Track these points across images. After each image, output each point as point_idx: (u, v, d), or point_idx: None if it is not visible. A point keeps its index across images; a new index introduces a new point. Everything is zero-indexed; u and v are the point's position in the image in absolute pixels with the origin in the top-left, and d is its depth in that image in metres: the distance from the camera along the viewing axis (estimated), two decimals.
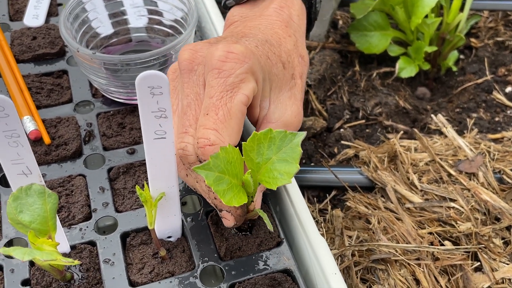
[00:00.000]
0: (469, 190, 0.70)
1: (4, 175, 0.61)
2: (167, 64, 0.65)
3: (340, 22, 1.07)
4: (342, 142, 0.83)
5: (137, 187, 0.50)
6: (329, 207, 0.72)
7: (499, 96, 0.90)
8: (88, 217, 0.58)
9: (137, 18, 0.74)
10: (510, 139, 0.81)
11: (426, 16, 0.89)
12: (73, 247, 0.55)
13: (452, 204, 0.68)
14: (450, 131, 0.78)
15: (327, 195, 0.76)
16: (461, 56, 1.01)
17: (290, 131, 0.48)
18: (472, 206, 0.68)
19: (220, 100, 0.51)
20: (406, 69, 0.93)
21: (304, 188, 0.76)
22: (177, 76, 0.57)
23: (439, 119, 0.82)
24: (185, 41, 0.64)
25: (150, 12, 0.74)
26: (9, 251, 0.41)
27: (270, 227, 0.50)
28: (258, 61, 0.53)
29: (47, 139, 0.62)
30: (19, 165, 0.47)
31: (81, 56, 0.61)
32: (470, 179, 0.72)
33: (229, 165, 0.49)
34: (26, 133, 0.62)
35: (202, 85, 0.53)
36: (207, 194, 0.54)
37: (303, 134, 0.48)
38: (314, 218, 0.70)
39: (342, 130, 0.86)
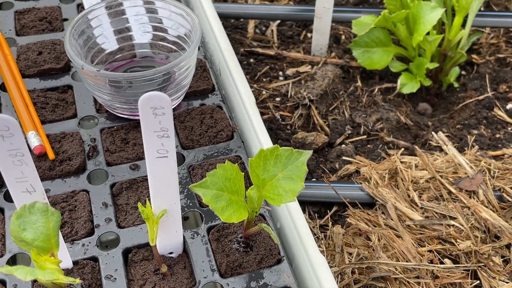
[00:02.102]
0: (469, 208, 0.70)
1: (7, 191, 0.61)
2: (170, 81, 0.65)
3: (343, 37, 1.08)
4: (344, 157, 0.83)
5: (139, 204, 0.51)
6: (330, 223, 0.73)
7: (500, 113, 0.91)
8: (90, 233, 0.58)
9: (141, 34, 0.75)
10: (510, 156, 0.81)
11: (428, 33, 0.89)
12: (75, 263, 0.55)
13: (452, 222, 0.68)
14: (450, 148, 0.78)
15: (328, 211, 0.76)
16: (463, 72, 1.02)
17: (296, 150, 0.48)
18: (472, 224, 0.69)
19: None
20: (407, 85, 0.94)
21: (305, 203, 0.77)
22: None
23: (440, 137, 0.82)
24: (189, 58, 0.65)
25: (155, 28, 0.75)
26: (12, 271, 0.42)
27: (276, 240, 0.51)
28: None
29: (51, 155, 0.63)
30: (23, 183, 0.48)
31: (85, 73, 0.62)
32: (470, 197, 0.72)
33: (227, 181, 0.50)
34: (30, 148, 0.63)
35: None
36: None
37: (309, 153, 0.48)
38: (315, 234, 0.71)
39: (343, 145, 0.87)
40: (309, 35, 1.09)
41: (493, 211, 0.70)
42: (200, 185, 0.47)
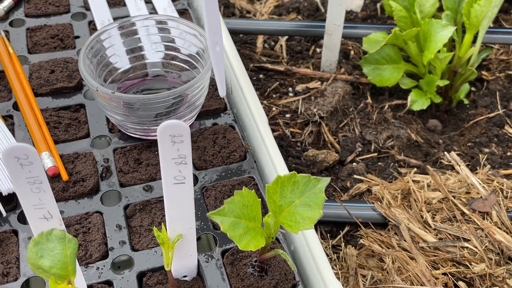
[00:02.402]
0: (482, 229, 0.70)
1: (21, 212, 0.61)
2: (183, 102, 0.65)
3: (352, 52, 1.08)
4: (355, 176, 0.83)
5: (155, 229, 0.50)
6: (342, 243, 0.73)
7: (511, 131, 0.91)
8: (105, 256, 0.58)
9: (153, 53, 0.75)
10: None
11: (439, 51, 0.89)
12: (90, 287, 0.55)
13: (466, 244, 0.68)
14: (463, 169, 0.78)
15: (340, 230, 0.76)
16: (473, 89, 1.02)
17: (314, 177, 0.48)
18: (486, 246, 0.68)
19: None
20: (418, 102, 0.94)
21: (317, 223, 0.77)
22: None
23: (452, 157, 0.82)
24: (201, 80, 0.65)
25: (167, 48, 0.75)
26: None
27: (293, 267, 0.51)
28: None
29: (65, 176, 0.63)
30: (41, 209, 0.48)
31: (100, 95, 0.62)
32: (483, 218, 0.72)
33: (245, 208, 0.50)
34: (44, 170, 0.63)
35: None
36: None
37: (327, 180, 0.48)
38: (327, 255, 0.71)
39: (354, 163, 0.86)
40: (318, 50, 1.09)
41: (507, 233, 0.70)
42: (218, 212, 0.47)
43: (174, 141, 0.46)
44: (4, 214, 0.60)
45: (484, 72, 1.03)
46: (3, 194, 0.61)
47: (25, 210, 0.47)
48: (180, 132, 0.45)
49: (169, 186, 0.49)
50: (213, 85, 0.77)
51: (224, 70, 0.64)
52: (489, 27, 1.01)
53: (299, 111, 0.94)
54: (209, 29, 0.59)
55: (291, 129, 0.93)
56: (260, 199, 0.51)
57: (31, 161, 0.44)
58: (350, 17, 1.16)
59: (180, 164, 0.48)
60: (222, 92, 0.64)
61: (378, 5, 1.19)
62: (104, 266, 0.57)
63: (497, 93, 0.97)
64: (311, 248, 0.58)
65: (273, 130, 0.91)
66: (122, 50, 0.73)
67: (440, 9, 0.98)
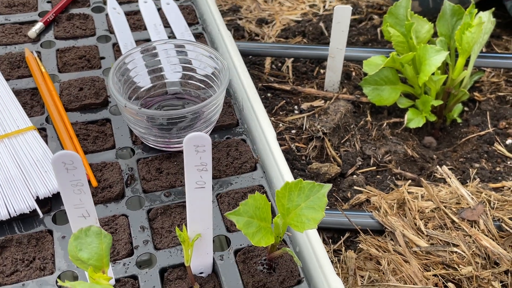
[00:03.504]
0: (470, 236, 0.77)
1: (55, 214, 0.68)
2: (200, 118, 0.73)
3: (353, 73, 1.16)
4: (355, 187, 0.90)
5: (177, 229, 0.57)
6: (343, 248, 0.79)
7: (500, 148, 0.98)
8: (130, 253, 0.65)
9: (172, 74, 0.83)
10: (510, 188, 0.88)
11: (433, 74, 0.97)
12: (117, 280, 0.62)
13: (455, 249, 0.75)
14: (454, 181, 0.85)
15: (341, 236, 0.83)
16: (465, 109, 1.09)
17: (318, 183, 0.55)
18: (473, 251, 0.75)
19: None
20: (414, 120, 1.01)
21: (320, 229, 0.84)
22: None
23: (444, 170, 0.89)
24: (217, 98, 0.72)
25: (184, 68, 0.82)
26: (74, 285, 0.49)
27: (298, 263, 0.57)
28: None
29: (94, 182, 0.70)
30: (80, 209, 0.55)
31: (128, 111, 0.70)
32: (471, 226, 0.78)
33: (257, 210, 0.57)
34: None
35: None
36: None
37: (329, 186, 0.55)
38: (329, 259, 0.77)
39: (355, 176, 0.93)
40: (321, 71, 1.17)
41: (493, 240, 0.76)
42: (234, 213, 0.54)
43: (197, 150, 0.53)
44: (41, 215, 0.67)
45: (476, 93, 1.10)
46: (40, 198, 0.68)
47: (66, 209, 0.54)
48: (203, 143, 0.53)
49: (191, 190, 0.56)
50: (226, 102, 0.84)
51: None
52: (481, 52, 1.08)
53: (304, 127, 1.02)
54: None
55: (297, 144, 1.00)
56: (270, 203, 0.58)
57: (75, 166, 0.51)
58: (352, 41, 1.24)
59: (202, 171, 0.55)
60: None
61: (378, 29, 1.27)
62: (129, 262, 0.64)
63: (488, 113, 1.05)
64: (314, 248, 0.65)
65: (280, 145, 0.98)
66: (144, 71, 0.81)
67: (435, 34, 1.06)
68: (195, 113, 0.71)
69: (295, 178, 0.93)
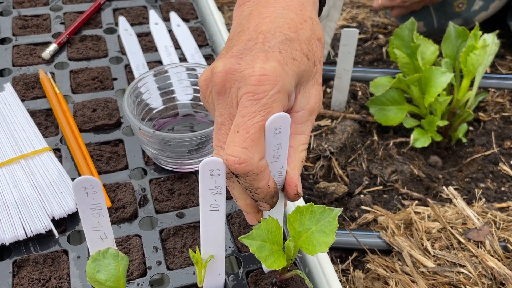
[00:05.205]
0: (476, 257, 0.78)
1: (70, 234, 0.70)
2: (209, 141, 0.74)
3: (360, 93, 1.18)
4: (362, 207, 0.92)
5: (191, 251, 0.59)
6: (351, 267, 0.81)
7: (505, 168, 0.99)
8: (144, 274, 0.66)
9: (184, 95, 0.85)
10: None
11: (439, 95, 0.99)
12: None
13: (462, 270, 0.76)
14: (460, 202, 0.87)
15: (349, 256, 0.84)
16: (470, 128, 1.11)
17: (328, 207, 0.57)
18: (479, 272, 0.76)
19: (252, 119, 0.54)
20: (420, 140, 1.03)
21: (328, 249, 0.85)
22: (208, 87, 0.60)
23: (450, 191, 0.90)
24: None
25: (195, 90, 0.84)
26: None
27: (310, 285, 0.59)
28: (288, 74, 0.55)
29: (108, 203, 0.72)
30: (98, 231, 0.56)
31: (142, 133, 0.71)
32: (478, 247, 0.80)
33: (269, 234, 0.58)
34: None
35: (235, 106, 0.57)
36: (244, 195, 0.59)
37: (339, 210, 0.57)
38: (338, 279, 0.79)
39: (362, 195, 0.95)
40: (328, 90, 1.19)
41: (499, 260, 0.78)
42: (247, 237, 0.56)
43: (212, 174, 0.55)
44: (57, 235, 0.69)
45: (481, 113, 1.12)
46: (55, 219, 0.70)
47: (85, 231, 0.56)
48: (218, 167, 0.54)
49: (205, 212, 0.58)
50: None
51: None
52: (486, 73, 1.10)
53: (311, 146, 1.03)
54: None
55: (304, 163, 1.02)
56: (282, 226, 0.60)
57: (95, 190, 0.53)
58: (358, 60, 1.26)
59: (216, 194, 0.57)
60: None
61: (384, 49, 1.29)
62: (143, 282, 0.65)
63: (493, 133, 1.06)
64: (324, 270, 0.67)
65: None
66: (157, 93, 0.83)
67: (440, 55, 1.08)
68: (205, 136, 0.73)
69: (303, 197, 0.94)
